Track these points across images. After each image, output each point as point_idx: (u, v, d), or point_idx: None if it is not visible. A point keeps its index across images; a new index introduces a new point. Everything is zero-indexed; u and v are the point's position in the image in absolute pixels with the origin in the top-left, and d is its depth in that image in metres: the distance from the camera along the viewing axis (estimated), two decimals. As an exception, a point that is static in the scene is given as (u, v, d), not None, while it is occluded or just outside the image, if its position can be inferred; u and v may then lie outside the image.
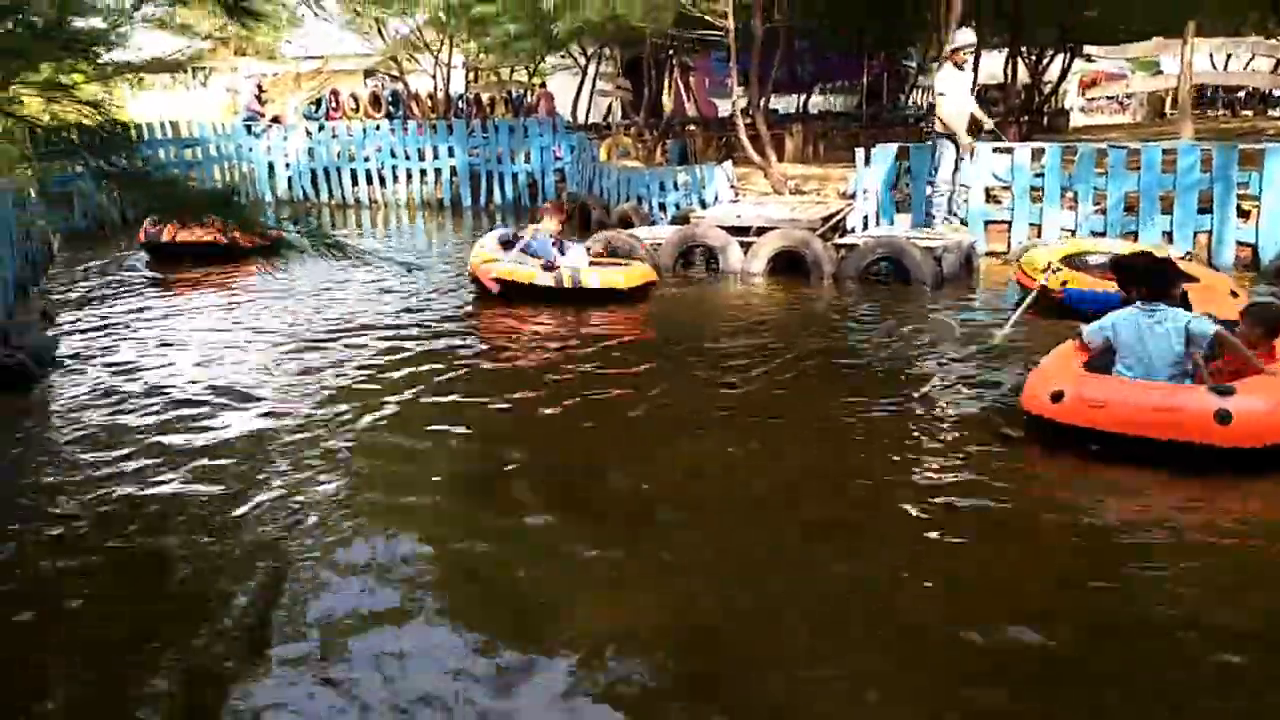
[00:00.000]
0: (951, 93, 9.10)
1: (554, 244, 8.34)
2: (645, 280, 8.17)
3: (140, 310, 8.40)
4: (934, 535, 3.73)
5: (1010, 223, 9.73)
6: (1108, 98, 26.10)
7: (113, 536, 3.87)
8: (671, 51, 17.26)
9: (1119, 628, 3.07)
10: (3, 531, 3.94)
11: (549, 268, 7.95)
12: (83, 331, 7.57)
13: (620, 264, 8.49)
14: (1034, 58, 17.46)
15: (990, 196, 9.97)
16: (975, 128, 9.58)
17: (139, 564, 3.68)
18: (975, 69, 16.08)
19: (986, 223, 9.87)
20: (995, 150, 9.79)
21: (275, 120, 18.36)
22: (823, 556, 3.63)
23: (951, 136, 9.07)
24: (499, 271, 8.10)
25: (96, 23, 12.73)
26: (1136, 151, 9.22)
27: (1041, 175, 9.60)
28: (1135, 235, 9.03)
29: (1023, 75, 17.62)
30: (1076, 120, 23.14)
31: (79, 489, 4.33)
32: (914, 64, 22.72)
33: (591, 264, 8.29)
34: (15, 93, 8.75)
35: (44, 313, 7.80)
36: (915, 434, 4.80)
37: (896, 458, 4.51)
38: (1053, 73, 18.72)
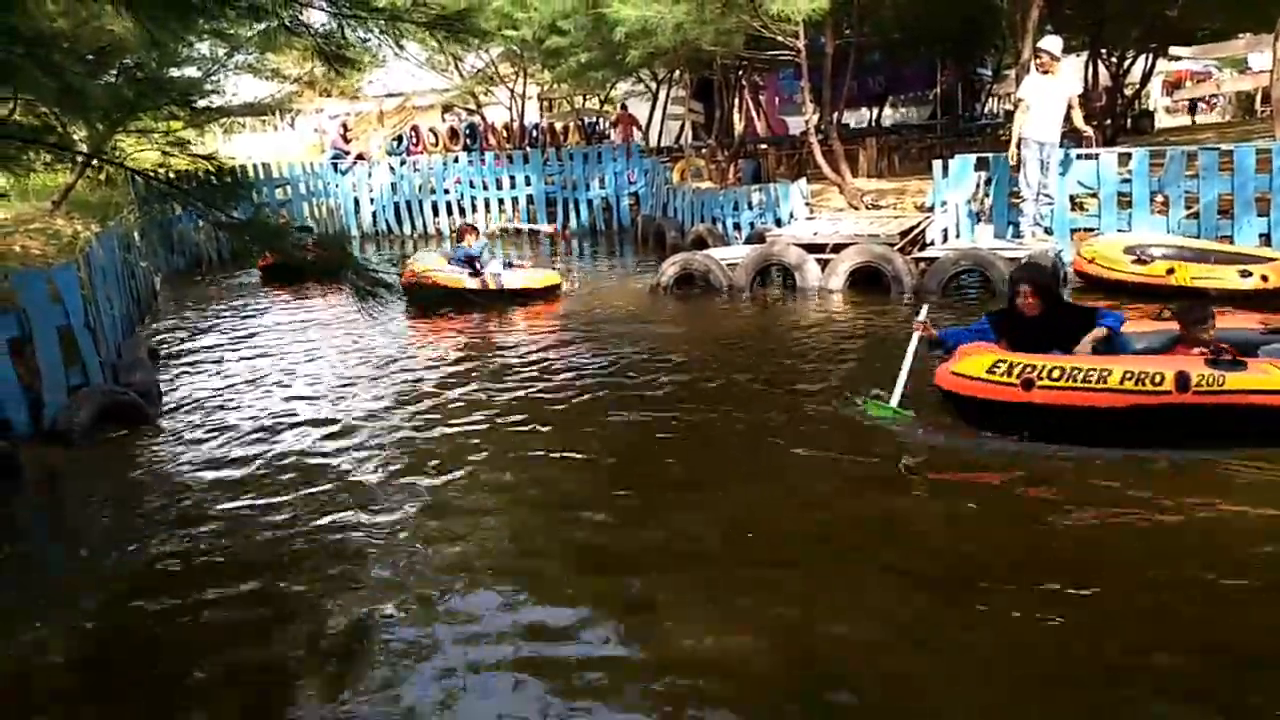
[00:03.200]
0: (1035, 103, 8.91)
1: (469, 255, 10.16)
2: (552, 283, 10.33)
3: (237, 345, 8.76)
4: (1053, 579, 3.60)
5: (1097, 230, 9.49)
6: (1192, 99, 25.23)
7: (222, 565, 4.06)
8: (741, 72, 17.31)
9: None
10: (125, 556, 4.18)
11: (476, 274, 9.76)
12: (186, 367, 7.93)
13: (525, 268, 10.68)
14: (1115, 60, 17.01)
15: (1076, 204, 9.75)
16: (1075, 136, 9.39)
17: (250, 591, 3.85)
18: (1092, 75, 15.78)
19: (1073, 231, 9.65)
20: (1080, 156, 9.58)
21: (360, 157, 18.98)
22: (917, 599, 3.60)
23: (1039, 144, 8.91)
24: (436, 278, 9.59)
25: (192, 72, 13.37)
26: (1229, 153, 8.92)
27: (1129, 180, 9.36)
28: (1230, 239, 8.74)
29: (1104, 78, 17.19)
30: (1164, 122, 22.47)
31: (193, 518, 4.55)
32: (988, 72, 22.34)
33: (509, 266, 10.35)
34: (117, 142, 9.24)
35: (150, 350, 8.19)
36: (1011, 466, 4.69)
37: (989, 493, 4.44)
38: (1135, 74, 18.21)
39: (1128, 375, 4.48)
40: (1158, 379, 4.41)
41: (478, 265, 10.07)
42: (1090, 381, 4.53)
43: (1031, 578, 3.47)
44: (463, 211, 17.97)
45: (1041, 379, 4.63)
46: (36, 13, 4.56)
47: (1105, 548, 3.73)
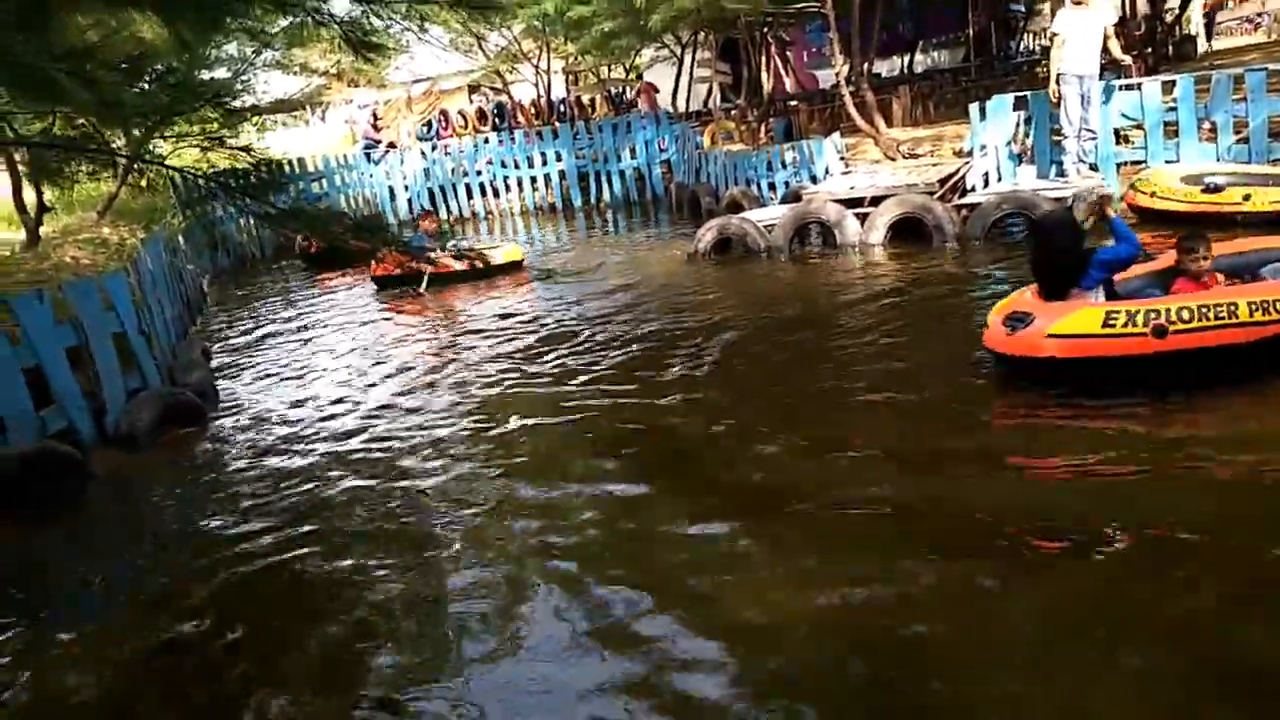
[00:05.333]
0: (1071, 37, 8.65)
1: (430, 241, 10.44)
2: (514, 258, 10.88)
3: (285, 339, 8.91)
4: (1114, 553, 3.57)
5: (1145, 162, 9.23)
6: (1208, 23, 24.29)
7: (283, 560, 4.15)
8: (766, 28, 17.03)
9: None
10: (192, 554, 4.29)
11: (458, 257, 10.22)
12: (238, 364, 8.09)
13: (499, 246, 11.17)
14: (1153, -15, 16.46)
15: (1121, 137, 9.48)
16: (1115, 67, 9.15)
17: (308, 585, 3.94)
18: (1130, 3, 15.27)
19: (1118, 165, 9.40)
20: (1122, 88, 9.31)
21: (391, 145, 19.08)
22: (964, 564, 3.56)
23: (1078, 77, 8.67)
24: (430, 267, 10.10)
25: (222, 73, 13.51)
26: (1277, 73, 8.60)
27: (1174, 109, 9.07)
28: (1282, 162, 8.47)
29: (1142, 6, 16.65)
30: (1206, 45, 21.70)
31: (260, 513, 4.65)
32: (1021, 8, 21.75)
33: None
34: (155, 147, 9.37)
35: (204, 350, 8.36)
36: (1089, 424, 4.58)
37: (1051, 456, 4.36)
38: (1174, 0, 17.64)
39: (1254, 306, 4.31)
40: None
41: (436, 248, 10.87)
42: (1224, 319, 4.33)
43: (1108, 542, 3.40)
44: (496, 193, 18.03)
45: (1175, 324, 4.35)
46: (69, 26, 4.63)
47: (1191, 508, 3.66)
